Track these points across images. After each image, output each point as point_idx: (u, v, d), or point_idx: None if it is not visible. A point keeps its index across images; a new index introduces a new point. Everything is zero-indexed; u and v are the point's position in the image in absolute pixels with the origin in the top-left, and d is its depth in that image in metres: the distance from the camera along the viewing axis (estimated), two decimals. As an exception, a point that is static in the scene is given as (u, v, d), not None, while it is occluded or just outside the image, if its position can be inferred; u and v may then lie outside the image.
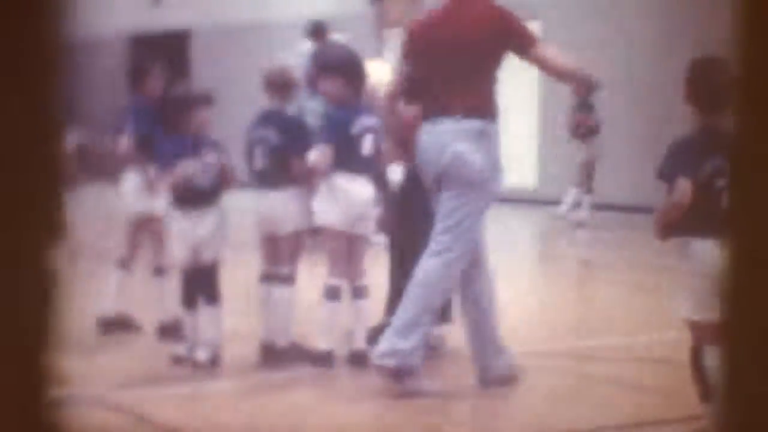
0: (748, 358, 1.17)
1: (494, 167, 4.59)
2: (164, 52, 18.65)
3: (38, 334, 1.11)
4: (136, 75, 5.89)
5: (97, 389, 4.59)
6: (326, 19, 11.07)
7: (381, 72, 5.44)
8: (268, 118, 5.21)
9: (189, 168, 4.96)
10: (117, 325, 5.75)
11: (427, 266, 4.60)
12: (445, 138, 4.55)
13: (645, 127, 12.80)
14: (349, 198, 4.99)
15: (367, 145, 5.05)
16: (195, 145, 5.02)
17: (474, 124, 4.52)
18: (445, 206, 4.61)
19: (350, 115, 5.05)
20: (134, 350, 5.46)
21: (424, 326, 4.61)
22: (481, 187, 4.57)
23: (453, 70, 4.56)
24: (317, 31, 10.25)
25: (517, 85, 13.94)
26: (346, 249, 5.07)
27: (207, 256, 5.02)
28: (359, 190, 5.01)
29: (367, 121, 5.07)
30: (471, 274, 4.69)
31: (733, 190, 1.21)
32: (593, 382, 4.96)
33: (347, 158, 5.01)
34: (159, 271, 5.78)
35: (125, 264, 5.85)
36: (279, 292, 5.15)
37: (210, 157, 5.00)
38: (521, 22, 4.62)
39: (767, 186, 1.16)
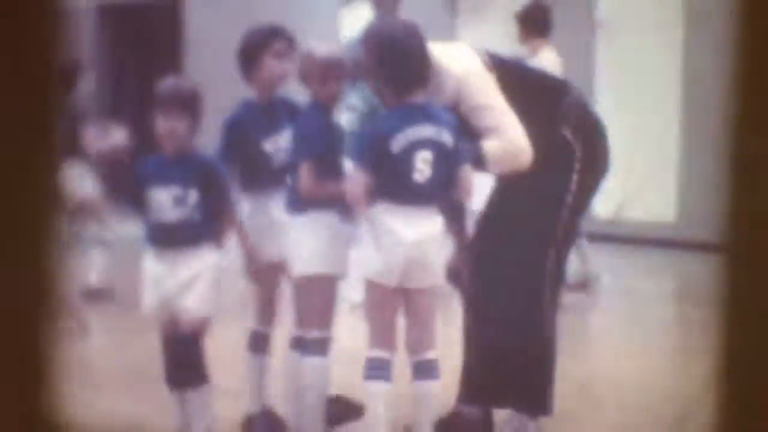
0: (747, 359, 1.47)
1: None
2: (147, 27, 19.03)
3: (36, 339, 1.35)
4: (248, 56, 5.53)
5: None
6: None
7: (465, 60, 5.27)
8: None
9: (158, 196, 4.99)
10: None
11: None
12: None
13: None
14: (395, 240, 4.87)
15: (421, 168, 4.91)
16: (174, 165, 5.00)
17: None
18: None
19: (393, 124, 4.90)
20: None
21: None
22: None
23: None
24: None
25: (650, 82, 13.99)
26: (394, 308, 5.00)
27: (185, 319, 4.99)
28: (414, 227, 4.88)
29: (419, 131, 4.90)
30: None
31: (733, 189, 1.47)
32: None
33: (390, 185, 4.89)
34: (258, 340, 5.70)
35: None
36: (306, 363, 5.18)
37: (182, 184, 4.97)
38: None
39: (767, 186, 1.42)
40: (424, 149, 4.89)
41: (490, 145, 5.09)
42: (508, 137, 5.09)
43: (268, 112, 5.39)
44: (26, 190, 1.32)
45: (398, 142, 4.87)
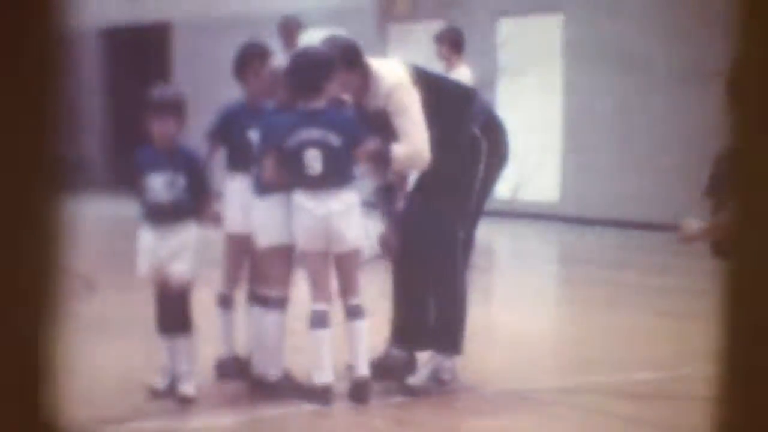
0: (747, 360, 1.23)
1: None
2: (142, 47, 18.82)
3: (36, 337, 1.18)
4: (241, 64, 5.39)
5: (66, 425, 4.55)
6: (322, 12, 11.07)
7: (396, 72, 5.27)
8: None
9: (152, 182, 4.93)
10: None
11: None
12: None
13: (678, 137, 12.81)
14: (307, 215, 4.93)
15: (311, 164, 4.94)
16: (165, 156, 4.94)
17: None
18: None
19: (287, 126, 4.95)
20: (105, 381, 5.42)
21: None
22: None
23: None
24: (288, 28, 9.92)
25: (539, 92, 14.03)
26: (324, 269, 5.01)
27: (174, 280, 4.94)
28: (323, 206, 4.92)
29: (307, 133, 4.94)
30: None
31: (734, 191, 1.25)
32: (625, 422, 4.92)
33: (292, 176, 4.95)
34: (225, 301, 5.49)
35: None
36: (267, 317, 5.10)
37: (172, 171, 4.91)
38: None
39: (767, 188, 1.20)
40: (312, 148, 4.92)
41: (397, 148, 5.10)
42: (413, 143, 5.10)
43: (257, 110, 5.29)
44: (26, 188, 1.18)
45: (291, 141, 4.94)
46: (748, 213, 1.21)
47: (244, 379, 5.25)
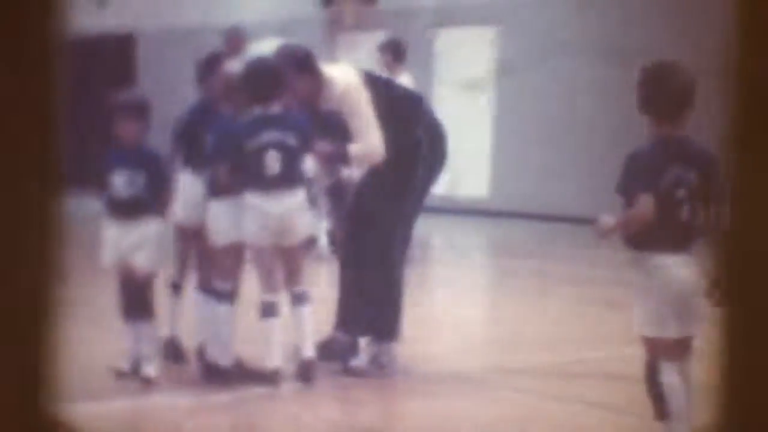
0: (746, 357, 1.17)
1: None
2: (108, 56, 18.57)
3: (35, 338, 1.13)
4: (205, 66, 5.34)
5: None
6: (275, 23, 11.06)
7: (348, 75, 5.26)
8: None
9: (115, 179, 4.92)
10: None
11: None
12: None
13: (598, 137, 12.96)
14: (262, 214, 4.88)
15: (270, 165, 4.90)
16: (128, 155, 4.93)
17: None
18: None
19: (246, 129, 4.89)
20: (72, 364, 5.36)
21: None
22: None
23: None
24: (233, 38, 9.83)
25: (469, 93, 14.12)
26: (273, 262, 4.98)
27: (137, 270, 4.93)
28: (278, 204, 4.88)
29: (267, 135, 4.90)
30: None
31: (733, 190, 1.19)
32: (554, 399, 4.99)
33: (250, 178, 4.89)
34: (175, 287, 5.47)
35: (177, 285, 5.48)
36: (219, 309, 5.06)
37: (132, 169, 4.89)
38: None
39: (766, 186, 1.14)
40: (272, 150, 4.88)
41: (353, 147, 5.10)
42: (368, 142, 5.11)
43: (217, 113, 5.21)
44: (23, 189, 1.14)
45: (252, 143, 4.88)
46: (745, 215, 1.16)
47: (182, 362, 5.27)
